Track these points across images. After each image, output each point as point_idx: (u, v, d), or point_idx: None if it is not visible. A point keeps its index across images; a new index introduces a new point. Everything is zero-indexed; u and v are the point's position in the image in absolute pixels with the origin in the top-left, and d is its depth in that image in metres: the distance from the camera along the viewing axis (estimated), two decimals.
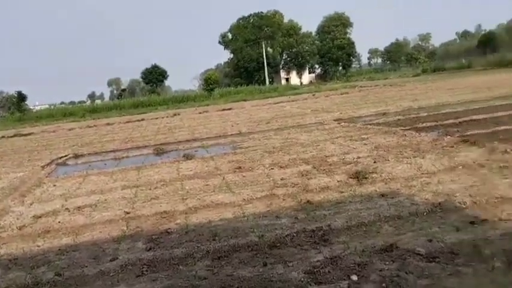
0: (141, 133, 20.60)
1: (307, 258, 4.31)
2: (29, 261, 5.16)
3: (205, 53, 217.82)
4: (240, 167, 9.18)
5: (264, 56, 73.50)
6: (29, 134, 29.06)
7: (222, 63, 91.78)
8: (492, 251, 3.96)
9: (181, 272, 4.35)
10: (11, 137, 28.20)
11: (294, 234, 4.94)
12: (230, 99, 43.89)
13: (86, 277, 4.52)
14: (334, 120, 16.11)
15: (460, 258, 3.91)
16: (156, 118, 30.08)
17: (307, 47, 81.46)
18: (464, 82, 31.05)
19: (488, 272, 3.62)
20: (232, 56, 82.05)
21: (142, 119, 30.22)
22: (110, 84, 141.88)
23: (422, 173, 6.95)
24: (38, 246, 5.69)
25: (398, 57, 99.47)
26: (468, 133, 9.96)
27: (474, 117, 12.50)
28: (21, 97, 58.54)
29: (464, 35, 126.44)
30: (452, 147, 8.60)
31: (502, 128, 10.22)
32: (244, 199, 6.71)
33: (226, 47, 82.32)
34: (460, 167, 7.04)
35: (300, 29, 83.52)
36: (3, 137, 28.57)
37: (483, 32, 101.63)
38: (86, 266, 4.80)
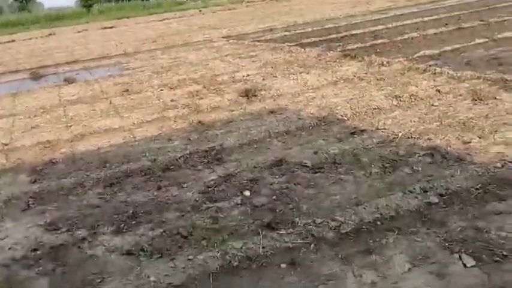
0: (13, 56, 18.69)
1: (201, 179, 4.38)
2: None
3: None
4: (127, 90, 8.81)
5: None
6: None
7: None
8: (370, 159, 4.33)
9: (71, 203, 4.20)
10: None
11: (187, 156, 4.96)
12: (112, 17, 40.93)
13: None
14: (223, 37, 15.89)
15: (342, 167, 4.22)
16: (29, 39, 27.30)
17: None
18: None
19: (366, 177, 3.97)
20: None
21: (13, 40, 27.24)
22: None
23: (308, 88, 7.23)
24: None
25: None
26: (349, 47, 10.43)
27: (354, 31, 13.05)
28: None
29: None
30: (335, 62, 8.98)
31: (379, 41, 10.83)
32: (134, 123, 6.52)
33: None
34: (342, 81, 7.42)
35: None
36: None
37: None
38: None
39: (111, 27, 28.50)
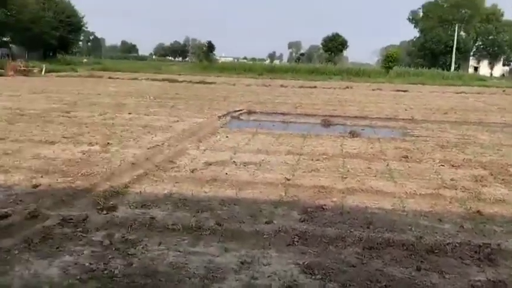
0: (311, 100, 20.85)
1: (467, 275, 3.96)
2: (195, 204, 5.62)
3: (389, 28, 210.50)
4: (406, 156, 8.74)
5: (455, 40, 67.69)
6: (212, 83, 31.55)
7: (407, 40, 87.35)
8: None
9: (330, 253, 4.34)
10: (197, 83, 30.97)
11: (457, 244, 4.55)
12: (407, 81, 41.72)
13: (242, 232, 4.78)
14: None
15: None
16: (328, 88, 30.10)
17: (507, 37, 73.07)
18: None
19: None
20: (419, 35, 77.74)
21: (315, 87, 30.50)
22: (290, 46, 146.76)
23: None
24: (205, 192, 6.18)
25: None
26: None
27: None
28: (210, 47, 64.08)
29: None
30: None
31: None
32: (406, 192, 6.39)
33: (415, 25, 78.28)
34: None
35: (501, 15, 75.25)
36: (190, 81, 31.59)
37: None
38: (244, 222, 5.07)
39: (404, 91, 29.03)
